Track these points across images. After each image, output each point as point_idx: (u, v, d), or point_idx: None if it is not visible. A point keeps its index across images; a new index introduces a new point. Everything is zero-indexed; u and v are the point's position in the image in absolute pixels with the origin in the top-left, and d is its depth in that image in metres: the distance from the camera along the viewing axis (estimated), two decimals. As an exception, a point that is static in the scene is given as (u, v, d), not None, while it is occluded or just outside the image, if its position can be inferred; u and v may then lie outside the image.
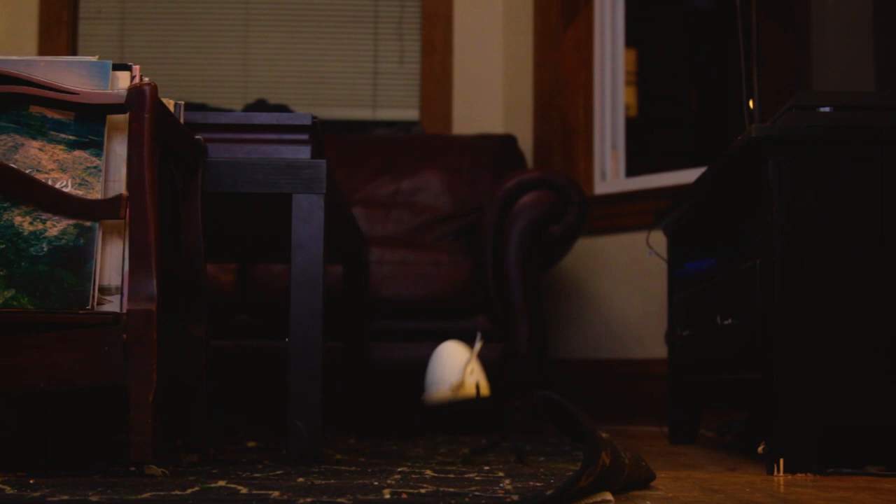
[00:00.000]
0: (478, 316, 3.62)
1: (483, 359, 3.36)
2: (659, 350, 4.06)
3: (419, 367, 3.10)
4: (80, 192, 1.95)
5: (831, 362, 2.28)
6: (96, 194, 1.95)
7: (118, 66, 2.01)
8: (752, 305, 2.43)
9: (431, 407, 2.85)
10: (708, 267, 2.96)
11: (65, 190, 1.94)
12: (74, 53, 4.88)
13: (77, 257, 1.93)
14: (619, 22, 4.59)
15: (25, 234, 1.93)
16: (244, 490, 1.67)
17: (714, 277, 2.82)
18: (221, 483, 1.77)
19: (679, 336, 3.20)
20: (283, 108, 4.56)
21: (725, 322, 2.64)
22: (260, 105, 4.58)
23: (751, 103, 2.61)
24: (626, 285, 4.31)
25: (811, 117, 2.35)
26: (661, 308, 3.73)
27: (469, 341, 2.99)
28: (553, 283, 4.46)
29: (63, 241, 1.93)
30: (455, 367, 2.85)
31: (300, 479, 1.86)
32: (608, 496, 1.62)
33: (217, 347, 3.56)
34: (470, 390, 2.83)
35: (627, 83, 4.76)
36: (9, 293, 1.92)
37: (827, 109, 2.36)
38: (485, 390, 2.83)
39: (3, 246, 1.92)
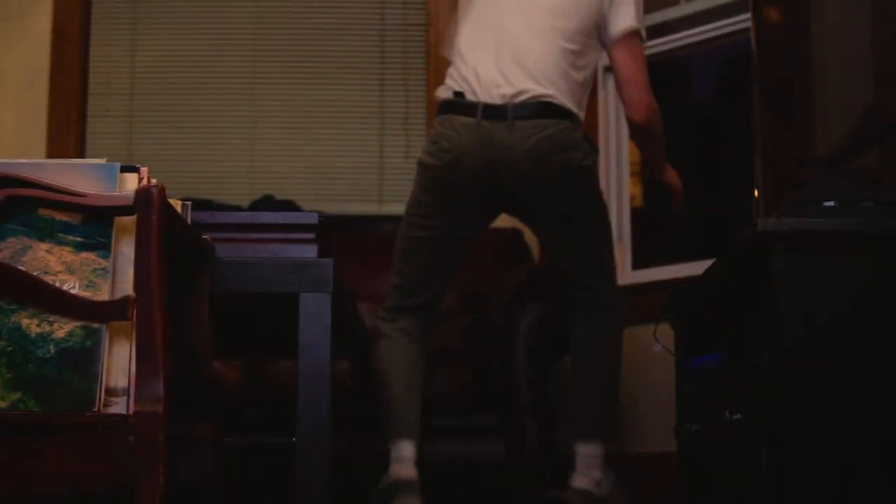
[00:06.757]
0: (485, 412, 3.58)
1: (491, 456, 3.32)
2: (668, 444, 4.02)
3: (426, 463, 3.07)
4: (87, 294, 1.95)
5: (841, 459, 2.25)
6: (104, 296, 1.95)
7: (126, 168, 2.02)
8: (759, 400, 2.41)
9: None
10: (716, 361, 2.95)
11: (72, 292, 1.94)
12: (83, 151, 4.92)
13: (84, 359, 1.92)
14: (623, 113, 4.61)
15: (33, 336, 1.93)
16: None
17: (722, 371, 2.81)
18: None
19: (688, 430, 3.18)
20: (289, 204, 4.57)
21: (734, 417, 2.62)
22: (266, 200, 4.59)
23: (755, 193, 2.62)
24: (634, 378, 4.28)
25: (815, 212, 2.36)
26: (670, 401, 3.70)
27: (476, 436, 2.94)
28: (561, 376, 4.43)
29: (70, 343, 1.93)
30: None
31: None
32: None
33: (223, 444, 3.52)
34: None
35: (632, 173, 4.78)
36: (16, 395, 1.91)
37: (831, 204, 2.37)
38: None
39: (11, 348, 1.92)
